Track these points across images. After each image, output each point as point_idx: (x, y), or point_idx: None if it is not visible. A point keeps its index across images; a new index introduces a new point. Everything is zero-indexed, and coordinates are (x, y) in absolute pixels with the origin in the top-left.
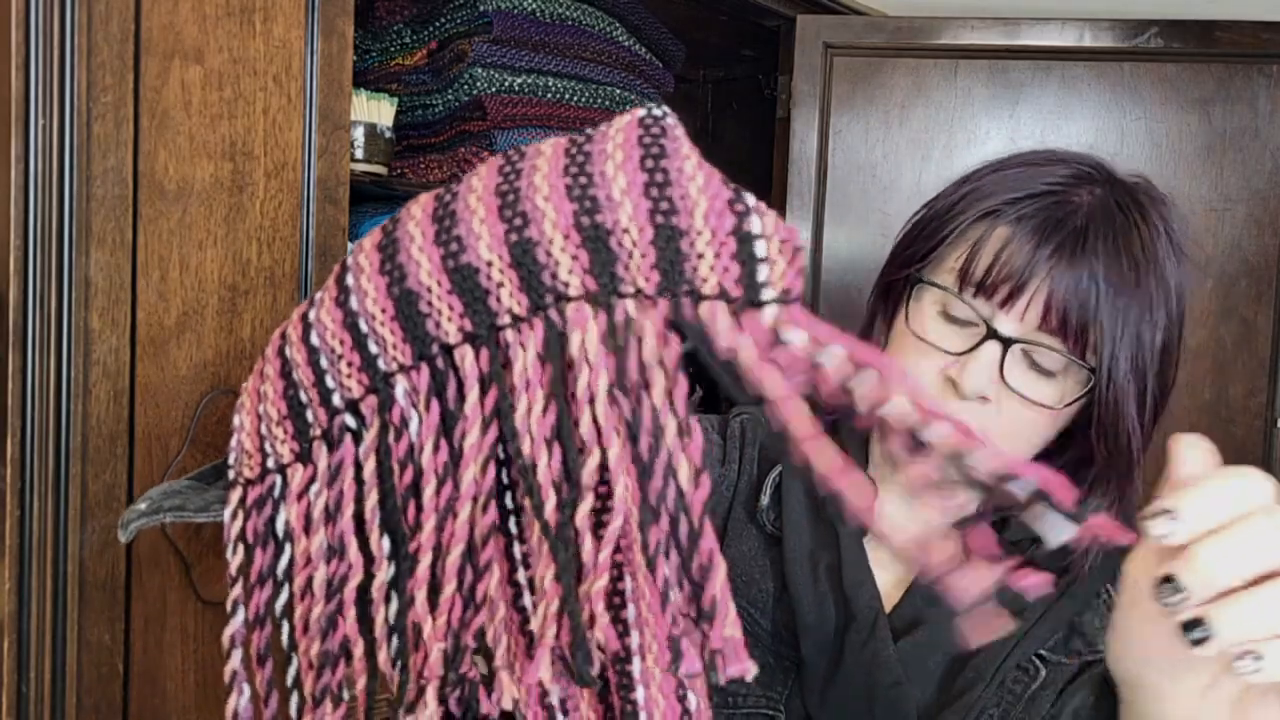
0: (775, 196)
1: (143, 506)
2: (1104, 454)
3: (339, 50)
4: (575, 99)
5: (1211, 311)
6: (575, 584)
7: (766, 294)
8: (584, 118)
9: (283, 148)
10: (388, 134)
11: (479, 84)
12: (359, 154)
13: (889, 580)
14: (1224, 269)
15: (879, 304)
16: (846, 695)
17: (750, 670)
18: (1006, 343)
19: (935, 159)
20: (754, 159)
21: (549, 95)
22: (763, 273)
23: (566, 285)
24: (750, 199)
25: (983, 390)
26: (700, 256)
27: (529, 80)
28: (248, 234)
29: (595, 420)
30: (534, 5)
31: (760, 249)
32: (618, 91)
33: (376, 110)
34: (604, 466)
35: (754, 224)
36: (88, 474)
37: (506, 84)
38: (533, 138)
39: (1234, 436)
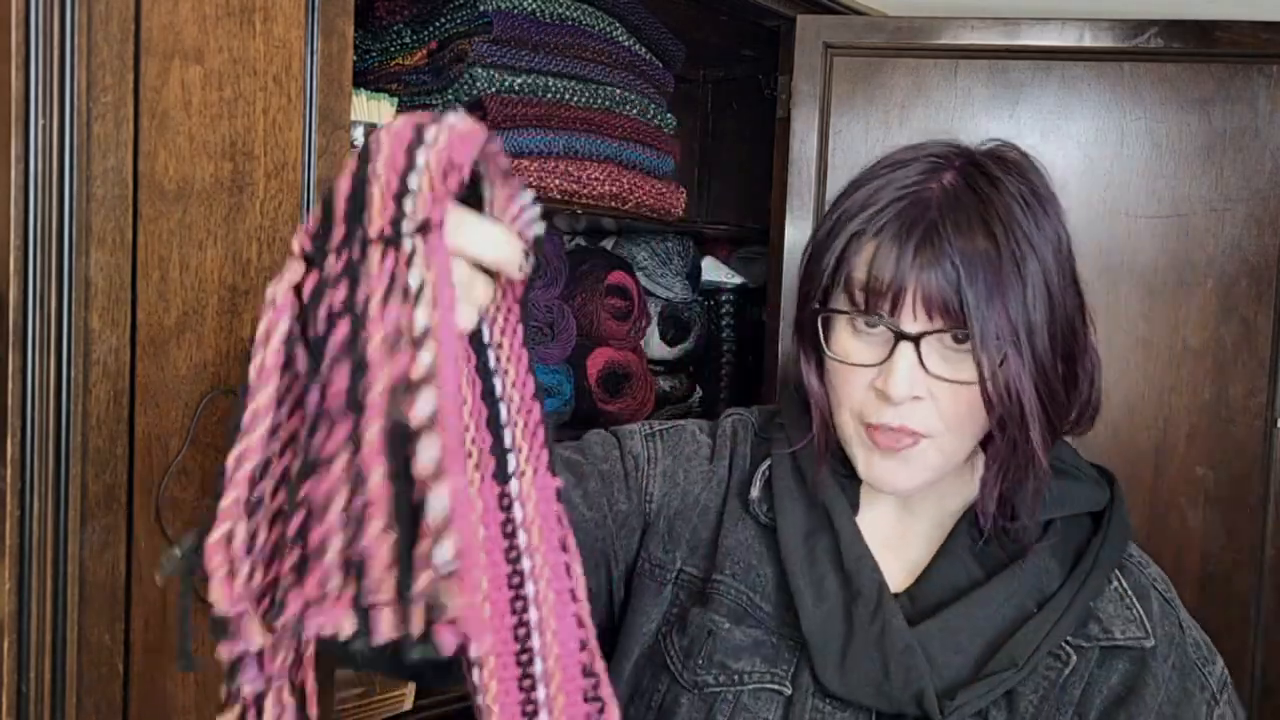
0: (775, 196)
1: (177, 553)
2: (997, 425)
3: (339, 50)
4: (575, 99)
5: (1211, 311)
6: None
7: (405, 227)
8: (584, 118)
9: (283, 148)
10: None
11: (479, 84)
12: None
13: (895, 564)
14: (1224, 269)
15: (800, 342)
16: (861, 666)
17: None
18: (915, 339)
19: None
20: (754, 159)
21: (549, 95)
22: (406, 206)
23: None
24: (438, 131)
25: (910, 390)
26: (373, 201)
27: (529, 80)
28: (248, 234)
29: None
30: (534, 5)
31: (412, 182)
32: (618, 91)
33: (376, 110)
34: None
35: (419, 156)
36: (88, 474)
37: (506, 84)
38: (533, 138)
39: (1234, 436)
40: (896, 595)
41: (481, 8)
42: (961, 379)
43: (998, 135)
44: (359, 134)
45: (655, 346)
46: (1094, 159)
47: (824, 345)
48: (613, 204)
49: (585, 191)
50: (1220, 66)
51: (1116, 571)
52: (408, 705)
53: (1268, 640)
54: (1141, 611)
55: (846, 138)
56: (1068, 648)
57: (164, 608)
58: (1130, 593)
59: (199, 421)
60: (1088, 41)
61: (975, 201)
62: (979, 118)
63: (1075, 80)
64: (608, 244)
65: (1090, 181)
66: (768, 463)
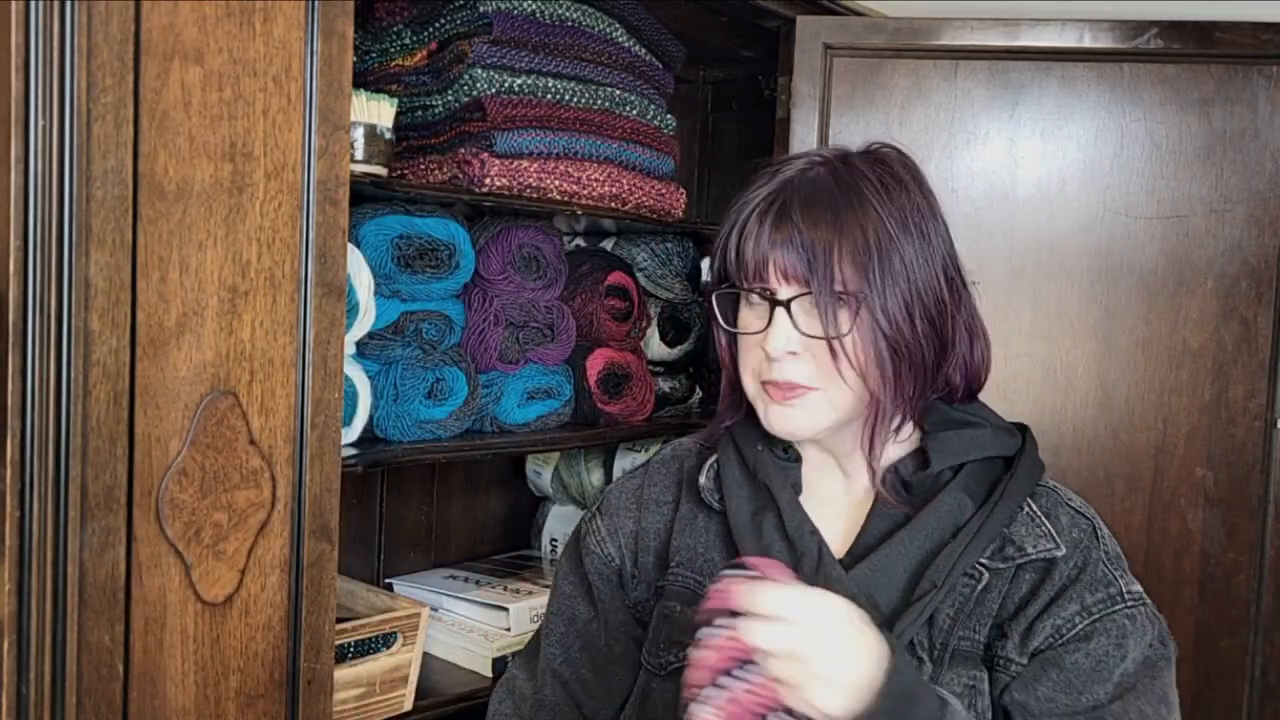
0: None
1: None
2: (861, 376)
3: (339, 51)
4: (575, 100)
5: (1211, 313)
6: None
7: None
8: (584, 119)
9: (283, 148)
10: (388, 135)
11: (479, 85)
12: (359, 155)
13: (835, 536)
14: (1224, 270)
15: (711, 321)
16: None
17: None
18: (785, 304)
19: (935, 159)
20: (754, 159)
21: (549, 96)
22: None
23: None
24: None
25: (786, 346)
26: None
27: (529, 81)
28: (248, 235)
29: None
30: (534, 6)
31: None
32: (618, 92)
33: (376, 111)
34: None
35: None
36: (88, 475)
37: (506, 85)
38: (533, 138)
39: (1234, 437)
40: (842, 559)
41: (481, 8)
42: (828, 334)
43: (998, 136)
44: (359, 134)
45: (655, 347)
46: (1094, 160)
47: (721, 320)
48: (613, 205)
49: (585, 192)
50: (1220, 67)
51: (1029, 500)
52: (408, 705)
53: (1268, 640)
54: (1050, 527)
55: (846, 138)
56: (980, 567)
57: (164, 608)
58: (1040, 513)
59: (199, 422)
60: (1087, 43)
61: (829, 185)
62: (979, 118)
63: (1075, 81)
64: (608, 245)
65: (1090, 182)
66: (714, 456)
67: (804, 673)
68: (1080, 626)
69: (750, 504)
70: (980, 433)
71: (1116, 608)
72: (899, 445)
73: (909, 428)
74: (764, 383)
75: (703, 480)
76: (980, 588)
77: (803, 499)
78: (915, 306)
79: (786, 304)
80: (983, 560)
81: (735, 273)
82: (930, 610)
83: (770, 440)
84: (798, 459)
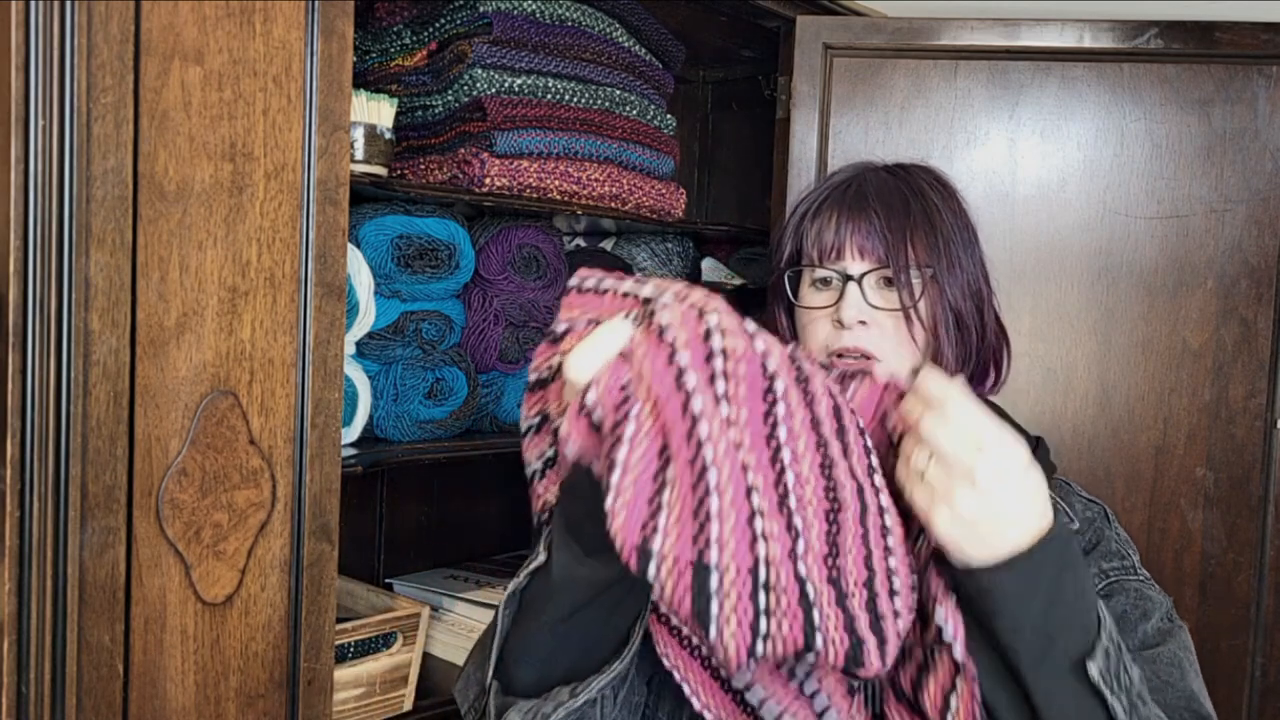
0: (775, 197)
1: None
2: (922, 348)
3: (339, 51)
4: (575, 100)
5: (1212, 313)
6: None
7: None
8: (584, 119)
9: (282, 149)
10: (388, 135)
11: (479, 85)
12: (359, 155)
13: None
14: (1224, 270)
15: (774, 299)
16: None
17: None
18: (858, 280)
19: (935, 159)
20: (754, 159)
21: (549, 96)
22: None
23: None
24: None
25: (858, 316)
26: None
27: (529, 81)
28: (248, 235)
29: None
30: (534, 6)
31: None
32: (618, 93)
33: (376, 111)
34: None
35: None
36: (87, 475)
37: (506, 85)
38: (533, 138)
39: (1234, 437)
40: None
41: (481, 9)
42: (894, 307)
43: (998, 136)
44: (359, 134)
45: None
46: (1094, 160)
47: (792, 297)
48: (613, 205)
49: (585, 192)
50: (1220, 67)
51: (1059, 476)
52: (408, 706)
53: (1268, 640)
54: (1065, 506)
55: (846, 138)
56: None
57: (164, 608)
58: (1055, 497)
59: (199, 422)
60: (1088, 43)
61: (894, 181)
62: (979, 118)
63: (1075, 81)
64: (608, 245)
65: (1090, 182)
66: None
67: (959, 478)
68: (1100, 587)
69: None
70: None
71: (1130, 577)
72: None
73: None
74: (832, 355)
75: None
76: None
77: None
78: (969, 288)
79: (859, 279)
80: None
81: (810, 252)
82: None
83: None
84: None
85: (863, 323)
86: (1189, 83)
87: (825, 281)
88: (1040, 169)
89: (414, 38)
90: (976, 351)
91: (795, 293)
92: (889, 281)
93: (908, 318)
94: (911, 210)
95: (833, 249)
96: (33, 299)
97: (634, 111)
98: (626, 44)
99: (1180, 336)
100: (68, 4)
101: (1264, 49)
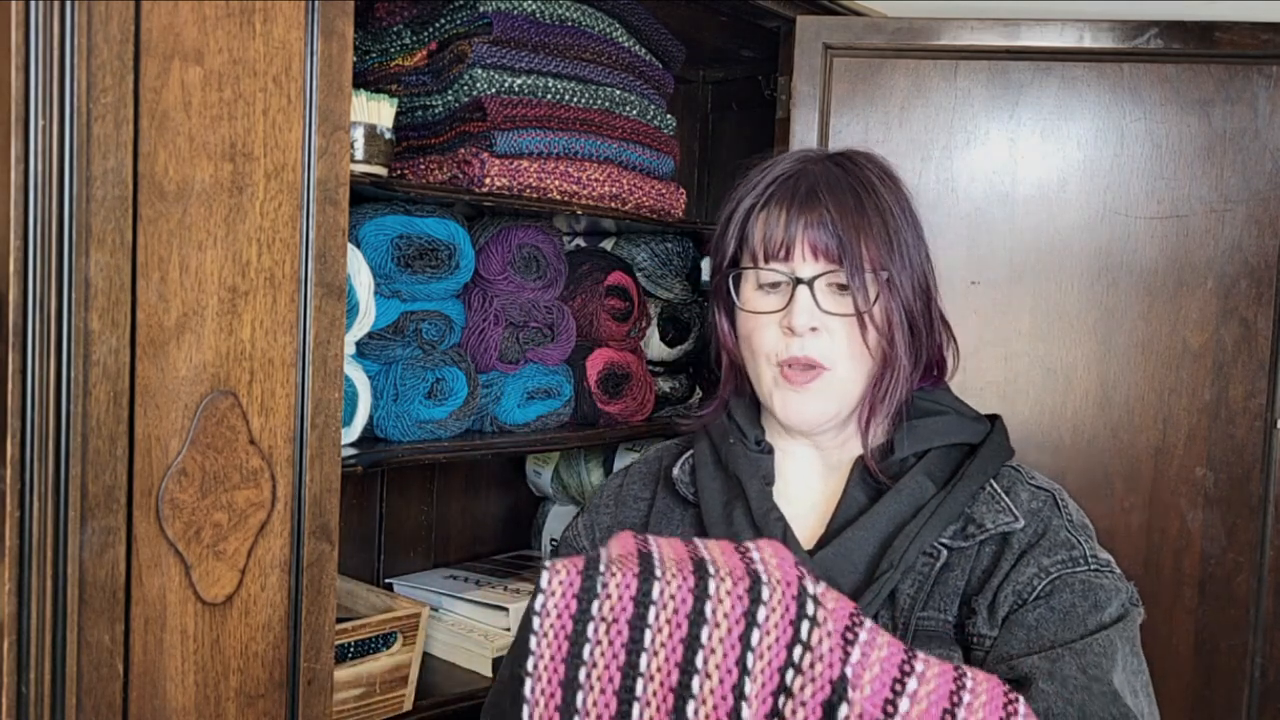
0: None
1: None
2: (874, 351)
3: (339, 51)
4: (575, 100)
5: (1212, 313)
6: None
7: None
8: (584, 119)
9: (282, 149)
10: (388, 135)
11: (479, 85)
12: (359, 155)
13: (809, 524)
14: (1224, 270)
15: (715, 304)
16: None
17: None
18: (809, 282)
19: (935, 159)
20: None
21: (549, 96)
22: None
23: None
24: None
25: (810, 321)
26: None
27: (529, 81)
28: (247, 235)
29: None
30: (534, 6)
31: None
32: (618, 93)
33: (376, 111)
34: None
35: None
36: (87, 475)
37: (506, 85)
38: (533, 138)
39: (1234, 438)
40: (815, 546)
41: (481, 8)
42: (848, 312)
43: (998, 136)
44: (359, 134)
45: (655, 347)
46: (1094, 160)
47: (735, 298)
48: (613, 205)
49: (585, 192)
50: (1220, 67)
51: (992, 481)
52: (408, 706)
53: (1268, 641)
54: (1009, 502)
55: (846, 138)
56: (939, 546)
57: (164, 608)
58: (1001, 491)
59: (199, 422)
60: (1088, 42)
61: (843, 175)
62: (979, 118)
63: (1075, 81)
64: (607, 245)
65: (1090, 182)
66: (690, 451)
67: None
68: (1040, 587)
69: (722, 495)
70: (945, 420)
71: (1079, 569)
72: (873, 436)
73: (890, 411)
74: (782, 364)
75: (676, 472)
76: (939, 565)
77: (778, 490)
78: (919, 286)
79: (810, 282)
80: (943, 539)
81: (755, 253)
82: (888, 589)
83: (743, 434)
84: (769, 451)
85: (814, 329)
86: (1189, 83)
87: (773, 284)
88: (1040, 169)
89: (414, 38)
90: (925, 349)
91: (738, 294)
92: (842, 286)
93: (861, 324)
94: (865, 208)
95: (782, 247)
96: (33, 299)
97: (634, 111)
98: (626, 44)
99: (1180, 336)
100: (68, 4)
101: (1264, 49)
